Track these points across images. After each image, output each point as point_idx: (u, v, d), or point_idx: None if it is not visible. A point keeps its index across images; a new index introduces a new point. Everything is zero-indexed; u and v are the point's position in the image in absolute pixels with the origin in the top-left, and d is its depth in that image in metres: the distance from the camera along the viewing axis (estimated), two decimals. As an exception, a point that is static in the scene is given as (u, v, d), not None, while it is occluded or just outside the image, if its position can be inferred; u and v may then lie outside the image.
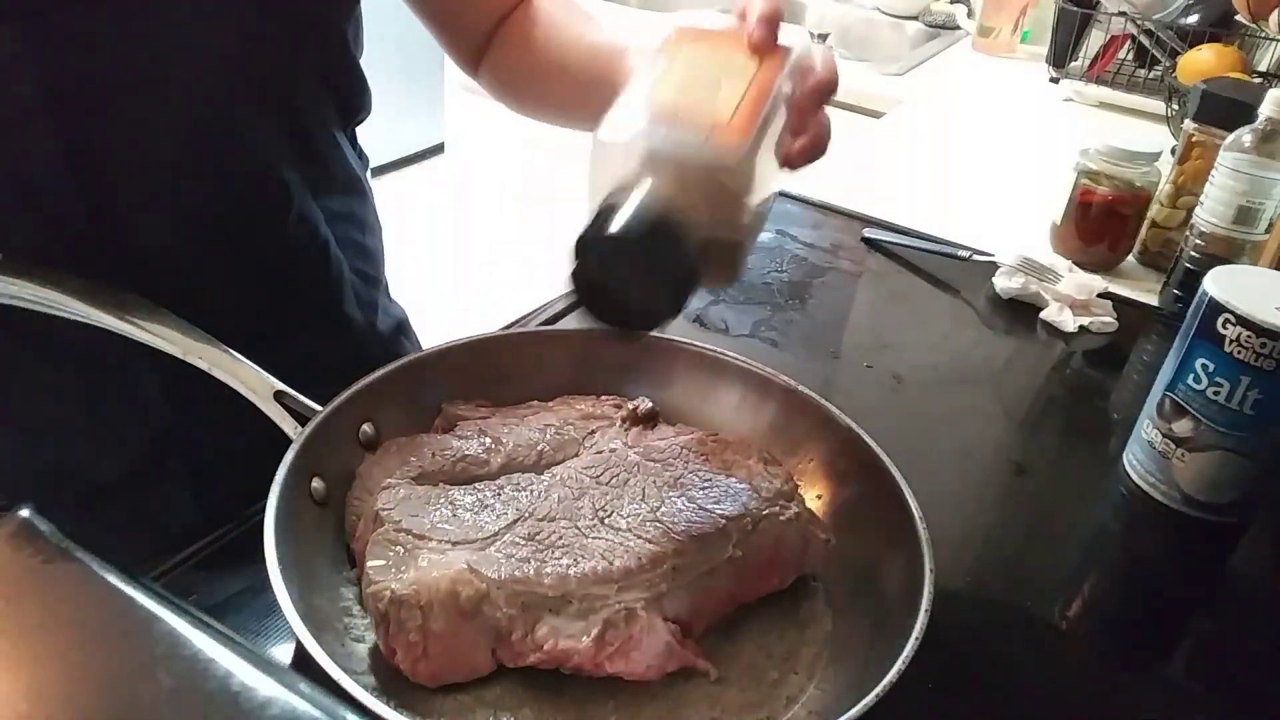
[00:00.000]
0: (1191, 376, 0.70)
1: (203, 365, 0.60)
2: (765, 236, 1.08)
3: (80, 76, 0.58)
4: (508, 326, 0.82)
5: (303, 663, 0.46)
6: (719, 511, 0.56)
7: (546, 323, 0.85)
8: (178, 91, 0.61)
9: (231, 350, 0.61)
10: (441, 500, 0.55)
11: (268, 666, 0.32)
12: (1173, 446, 0.72)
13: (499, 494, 0.56)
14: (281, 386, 0.61)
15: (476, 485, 0.58)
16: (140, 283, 0.60)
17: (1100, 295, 0.98)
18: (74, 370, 0.67)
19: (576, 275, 0.49)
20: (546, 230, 1.97)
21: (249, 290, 0.70)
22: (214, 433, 0.67)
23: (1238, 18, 1.50)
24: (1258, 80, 1.43)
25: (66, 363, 0.67)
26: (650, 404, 0.66)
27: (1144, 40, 1.63)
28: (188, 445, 0.71)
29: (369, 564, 0.51)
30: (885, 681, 0.47)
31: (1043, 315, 0.97)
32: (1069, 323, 0.95)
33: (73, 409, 0.69)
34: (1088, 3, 1.66)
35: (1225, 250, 0.96)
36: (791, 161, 0.55)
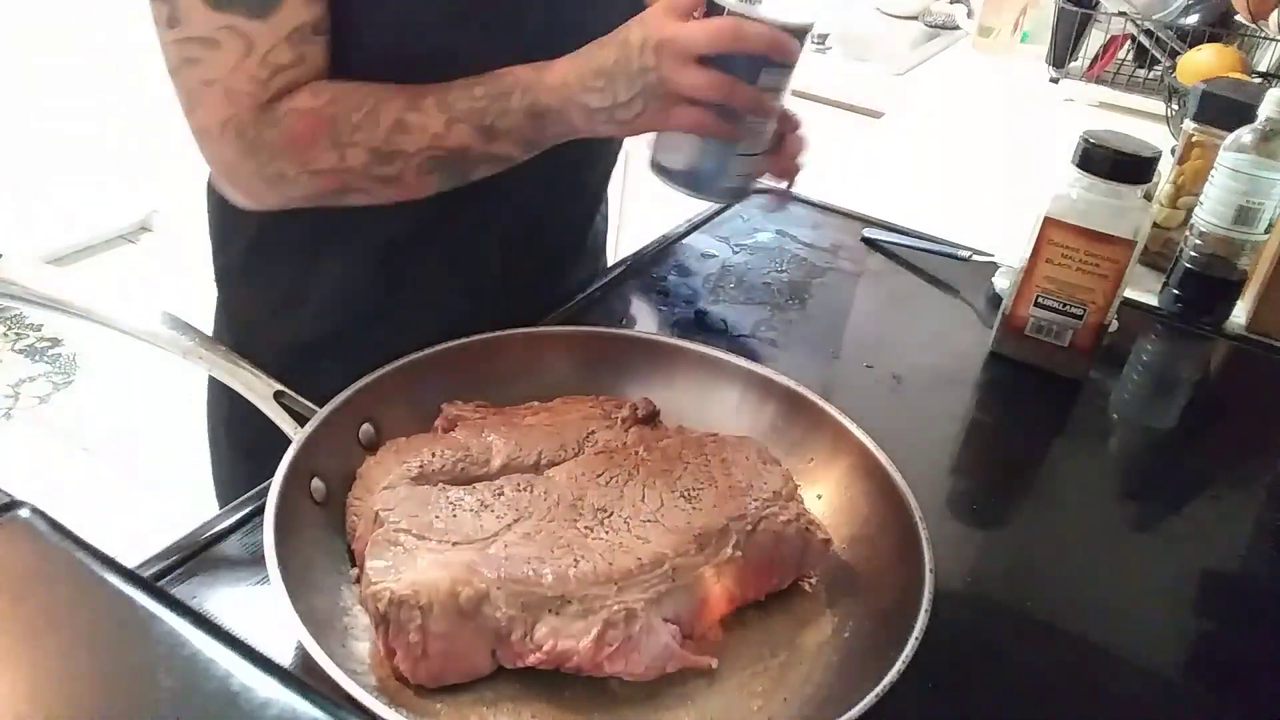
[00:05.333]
0: None
1: (203, 365, 0.60)
2: (765, 237, 1.08)
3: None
4: (508, 327, 0.82)
5: (303, 663, 0.46)
6: (719, 511, 0.56)
7: (547, 323, 0.85)
8: None
9: (231, 351, 0.61)
10: (441, 500, 0.55)
11: (268, 666, 0.32)
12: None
13: (499, 494, 0.56)
14: (280, 387, 0.61)
15: (476, 485, 0.58)
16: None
17: (1100, 295, 0.98)
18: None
19: None
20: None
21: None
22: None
23: (1237, 18, 1.50)
24: (1257, 80, 1.43)
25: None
26: (650, 404, 0.66)
27: (1144, 40, 1.63)
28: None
29: (369, 564, 0.51)
30: (885, 681, 0.47)
31: (1043, 315, 0.96)
32: (1069, 323, 0.95)
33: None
34: (1088, 3, 1.66)
35: (1225, 250, 0.96)
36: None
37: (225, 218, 0.82)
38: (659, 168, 0.67)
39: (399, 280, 0.81)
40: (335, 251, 0.79)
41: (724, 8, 0.60)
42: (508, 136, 0.66)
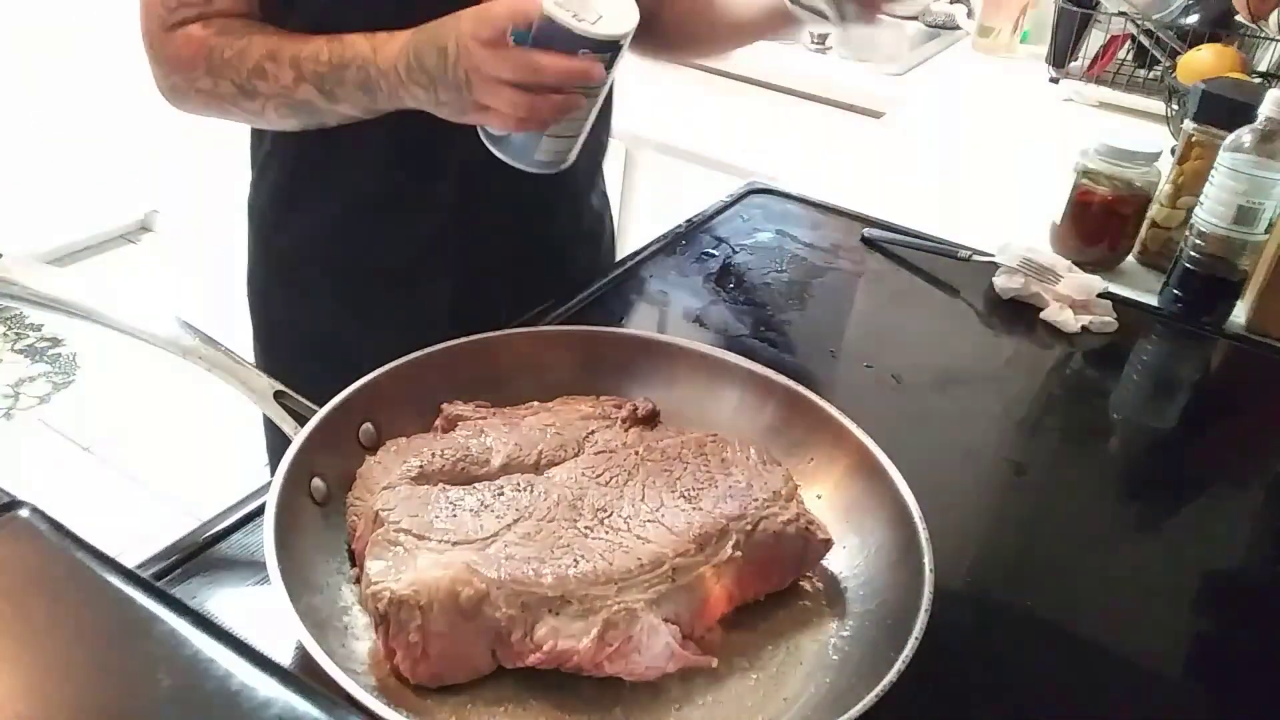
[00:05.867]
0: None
1: (202, 365, 0.60)
2: (765, 237, 1.08)
3: None
4: (508, 326, 0.82)
5: (303, 663, 0.46)
6: (719, 511, 0.56)
7: (546, 323, 0.85)
8: None
9: (232, 351, 0.61)
10: (441, 500, 0.55)
11: (268, 666, 0.32)
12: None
13: (499, 494, 0.56)
14: (281, 387, 0.61)
15: (476, 485, 0.58)
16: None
17: (1100, 295, 0.98)
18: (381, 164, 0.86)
19: None
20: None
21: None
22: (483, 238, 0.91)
23: (1237, 18, 1.50)
24: (1257, 80, 1.43)
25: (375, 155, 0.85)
26: (650, 404, 0.66)
27: (1144, 40, 1.63)
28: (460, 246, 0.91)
29: (369, 565, 0.51)
30: (885, 681, 0.47)
31: (1043, 315, 0.96)
32: (1070, 323, 0.95)
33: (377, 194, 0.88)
34: (1088, 3, 1.66)
35: (1225, 250, 0.96)
36: None
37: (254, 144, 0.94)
38: (483, 132, 0.72)
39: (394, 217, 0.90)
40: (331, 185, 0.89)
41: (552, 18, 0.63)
42: (346, 101, 0.73)
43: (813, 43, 2.00)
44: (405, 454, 0.59)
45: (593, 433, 0.63)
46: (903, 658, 0.48)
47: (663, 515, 0.56)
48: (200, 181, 2.99)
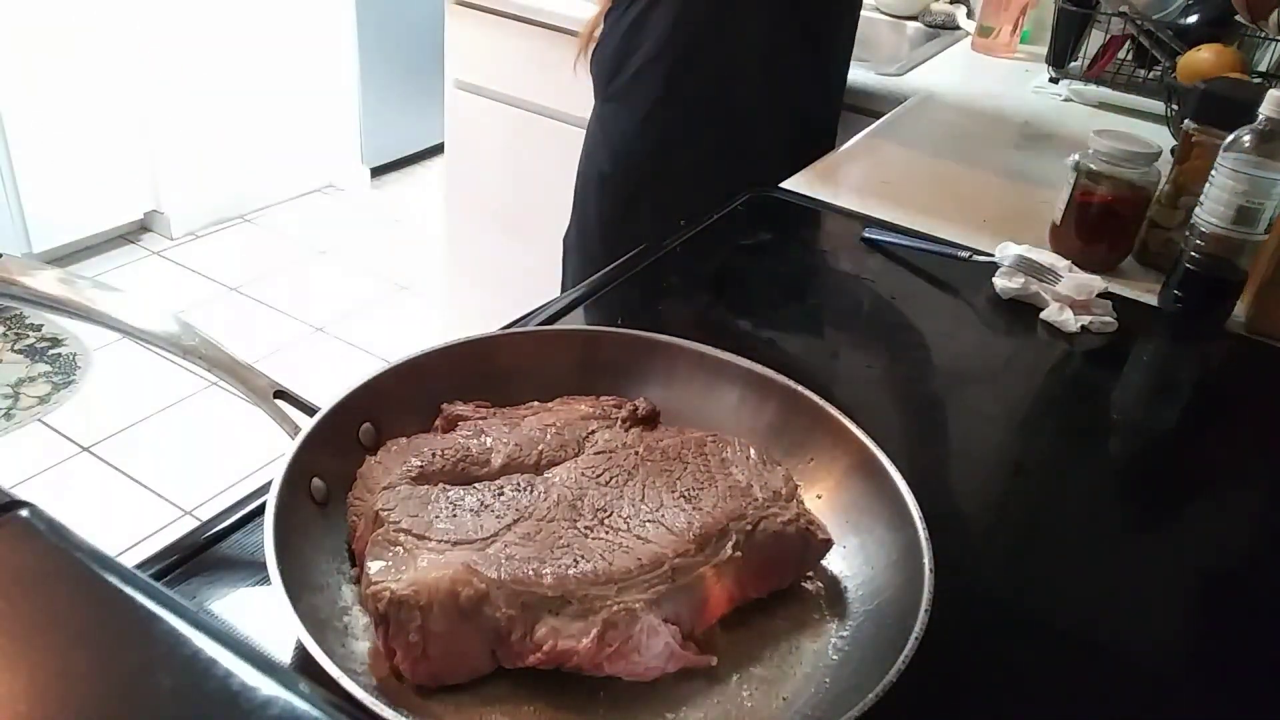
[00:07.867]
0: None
1: (203, 365, 0.60)
2: (765, 237, 1.08)
3: None
4: (508, 326, 0.82)
5: (303, 663, 0.46)
6: (719, 511, 0.56)
7: (546, 323, 0.85)
8: None
9: (232, 351, 0.61)
10: (441, 500, 0.55)
11: (268, 666, 0.32)
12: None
13: (499, 494, 0.56)
14: (281, 386, 0.61)
15: (476, 485, 0.58)
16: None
17: (1100, 295, 0.98)
18: None
19: None
20: (546, 230, 1.96)
21: None
22: None
23: (1237, 18, 1.50)
24: (1257, 80, 1.43)
25: None
26: (650, 404, 0.66)
27: (1143, 40, 1.63)
28: None
29: (369, 565, 0.51)
30: (885, 681, 0.47)
31: (1043, 315, 0.96)
32: (1070, 323, 0.95)
33: None
34: (1087, 3, 1.65)
35: (1225, 250, 0.96)
36: None
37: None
38: None
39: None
40: None
41: None
42: None
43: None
44: (405, 454, 0.59)
45: (593, 433, 0.63)
46: (903, 657, 0.48)
47: (663, 515, 0.56)
48: (200, 181, 2.99)
